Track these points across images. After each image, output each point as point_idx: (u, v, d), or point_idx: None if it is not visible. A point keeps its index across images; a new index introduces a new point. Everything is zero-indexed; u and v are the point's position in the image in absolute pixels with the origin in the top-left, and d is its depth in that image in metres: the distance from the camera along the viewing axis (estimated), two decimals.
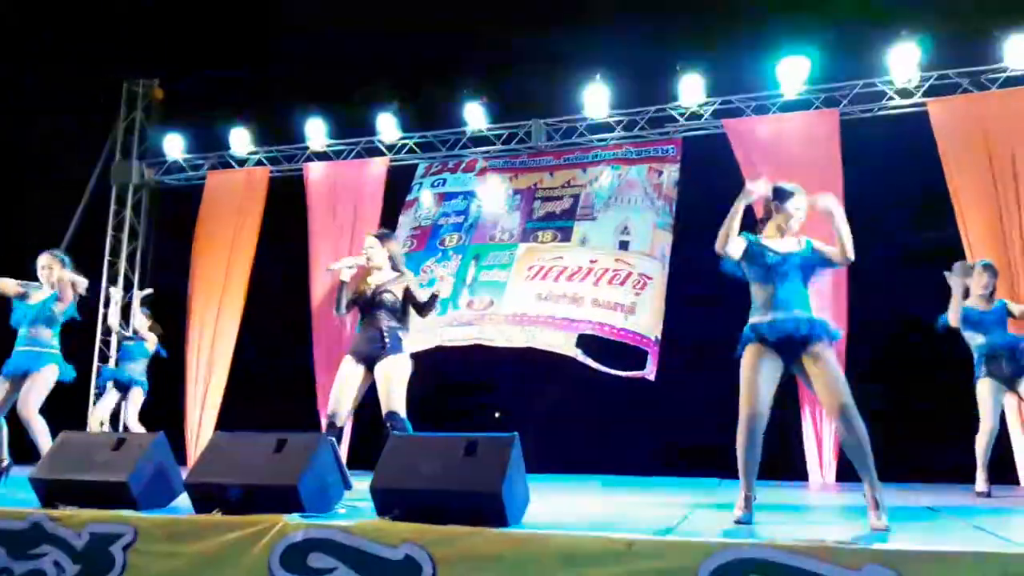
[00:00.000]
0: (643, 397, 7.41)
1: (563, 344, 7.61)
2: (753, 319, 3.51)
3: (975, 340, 5.47)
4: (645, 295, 7.63)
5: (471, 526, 2.86)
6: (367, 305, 4.60)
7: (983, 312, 5.48)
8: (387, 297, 4.56)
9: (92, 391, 9.36)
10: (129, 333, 7.42)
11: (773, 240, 3.59)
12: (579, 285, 7.87)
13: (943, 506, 4.39)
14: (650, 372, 7.27)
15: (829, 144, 7.47)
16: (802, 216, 3.59)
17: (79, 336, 5.90)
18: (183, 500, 3.57)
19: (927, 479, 6.10)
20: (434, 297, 4.68)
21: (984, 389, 5.38)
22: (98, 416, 7.27)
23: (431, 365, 7.92)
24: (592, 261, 7.96)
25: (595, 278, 7.85)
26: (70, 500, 3.48)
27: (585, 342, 7.58)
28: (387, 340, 4.49)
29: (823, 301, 6.72)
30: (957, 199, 6.93)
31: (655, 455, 7.51)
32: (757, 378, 3.39)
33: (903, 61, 7.44)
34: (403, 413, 4.40)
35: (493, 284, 8.18)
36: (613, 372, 7.37)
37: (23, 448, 5.26)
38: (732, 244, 3.49)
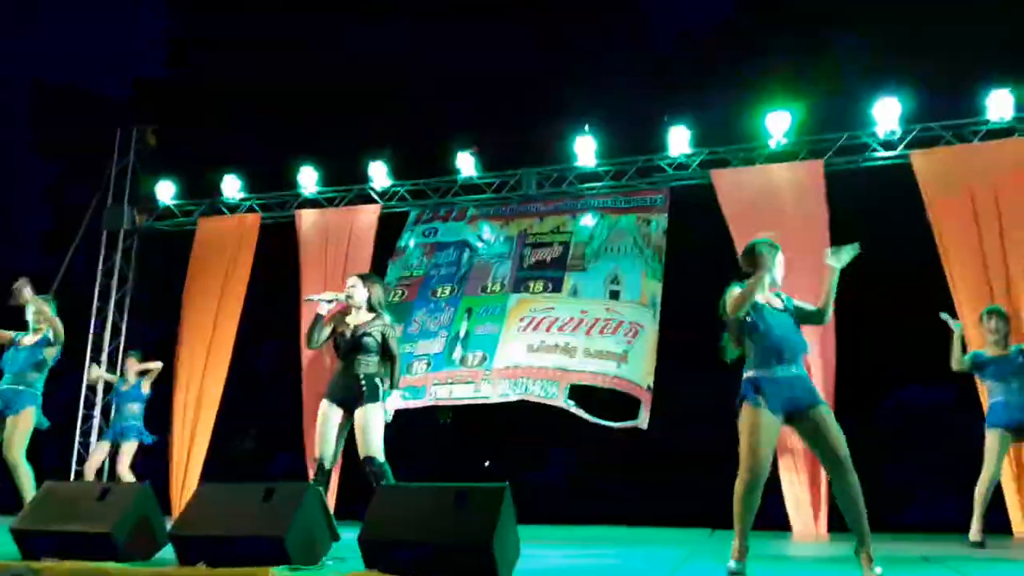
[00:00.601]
0: (634, 447, 7.37)
1: (555, 396, 7.58)
2: (749, 373, 3.52)
3: (992, 389, 5.46)
4: (637, 344, 7.62)
5: None
6: (347, 349, 4.59)
7: (999, 359, 5.47)
8: (367, 341, 4.55)
9: (77, 437, 9.24)
10: (115, 379, 7.38)
11: (768, 296, 3.60)
12: (570, 336, 7.85)
13: (937, 555, 4.36)
14: (643, 421, 7.22)
15: (815, 195, 7.56)
16: (782, 270, 3.66)
17: (65, 383, 5.86)
18: (168, 552, 3.51)
19: (916, 529, 6.05)
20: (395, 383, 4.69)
21: (992, 439, 5.36)
22: (93, 466, 7.18)
23: (422, 415, 7.91)
24: (583, 312, 7.96)
25: (587, 328, 7.84)
26: (52, 551, 3.41)
27: (578, 393, 7.54)
28: (364, 388, 4.49)
29: (810, 352, 6.75)
30: (943, 249, 7.01)
31: (647, 505, 7.44)
32: (758, 437, 3.38)
33: (886, 114, 7.58)
34: (381, 458, 4.40)
35: (486, 338, 8.14)
36: (606, 424, 7.32)
37: (5, 497, 5.19)
38: (743, 308, 3.53)
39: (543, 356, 7.80)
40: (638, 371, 7.46)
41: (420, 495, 3.26)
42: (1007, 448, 5.42)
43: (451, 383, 8.00)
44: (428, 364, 8.19)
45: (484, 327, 8.21)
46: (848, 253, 3.55)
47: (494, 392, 7.81)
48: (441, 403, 7.97)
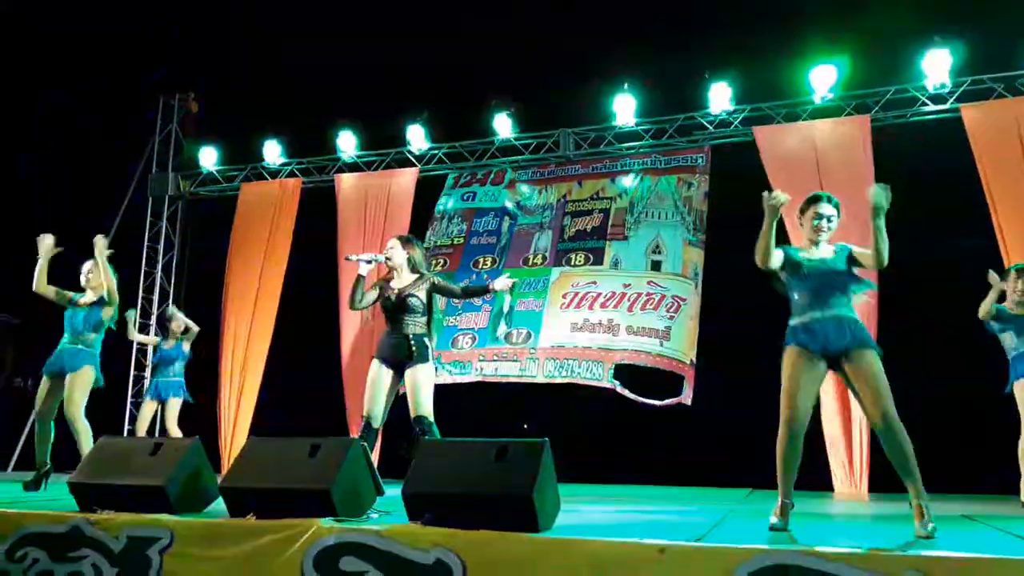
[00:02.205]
0: (677, 410, 7.37)
1: (601, 376, 7.62)
2: (793, 321, 3.50)
3: (1009, 343, 5.35)
4: (679, 318, 7.60)
5: (502, 531, 2.87)
6: (393, 310, 4.67)
7: (1017, 316, 5.34)
8: (412, 302, 4.64)
9: (129, 397, 9.53)
10: (155, 340, 7.62)
11: (809, 250, 3.57)
12: (614, 312, 7.84)
13: (981, 515, 4.31)
14: (687, 397, 7.25)
15: (861, 151, 7.40)
16: (826, 223, 3.56)
17: (115, 344, 6.02)
18: (218, 504, 3.62)
19: (968, 490, 5.98)
20: (485, 290, 4.87)
21: (1021, 393, 5.26)
22: (143, 426, 7.44)
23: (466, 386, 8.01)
24: (625, 285, 7.92)
25: (629, 303, 7.82)
26: (108, 504, 3.54)
27: (622, 369, 7.57)
28: (414, 348, 4.57)
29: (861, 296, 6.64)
30: (993, 204, 6.84)
31: (687, 467, 7.46)
32: (797, 382, 3.36)
33: (936, 66, 7.37)
34: (431, 417, 4.51)
35: (529, 314, 8.16)
36: (651, 402, 7.36)
37: (63, 455, 5.38)
38: (771, 257, 3.49)
39: (587, 335, 7.82)
40: (680, 346, 7.47)
41: (462, 449, 3.30)
42: None
43: (496, 360, 8.08)
44: (474, 339, 8.25)
45: (527, 302, 8.23)
46: (880, 196, 3.39)
47: (540, 372, 7.89)
48: (488, 379, 8.06)
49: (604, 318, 7.85)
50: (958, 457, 6.20)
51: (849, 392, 3.52)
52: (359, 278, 4.70)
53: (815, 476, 6.46)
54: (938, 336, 6.48)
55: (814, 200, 3.61)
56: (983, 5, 6.94)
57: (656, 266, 7.93)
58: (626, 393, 7.44)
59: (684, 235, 7.94)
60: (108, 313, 5.50)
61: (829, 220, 3.57)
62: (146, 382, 9.56)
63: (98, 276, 5.54)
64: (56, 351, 5.43)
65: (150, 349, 9.28)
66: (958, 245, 6.84)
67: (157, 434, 8.25)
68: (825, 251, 3.56)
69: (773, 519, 3.36)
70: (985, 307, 5.39)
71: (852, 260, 3.52)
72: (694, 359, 7.41)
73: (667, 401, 7.28)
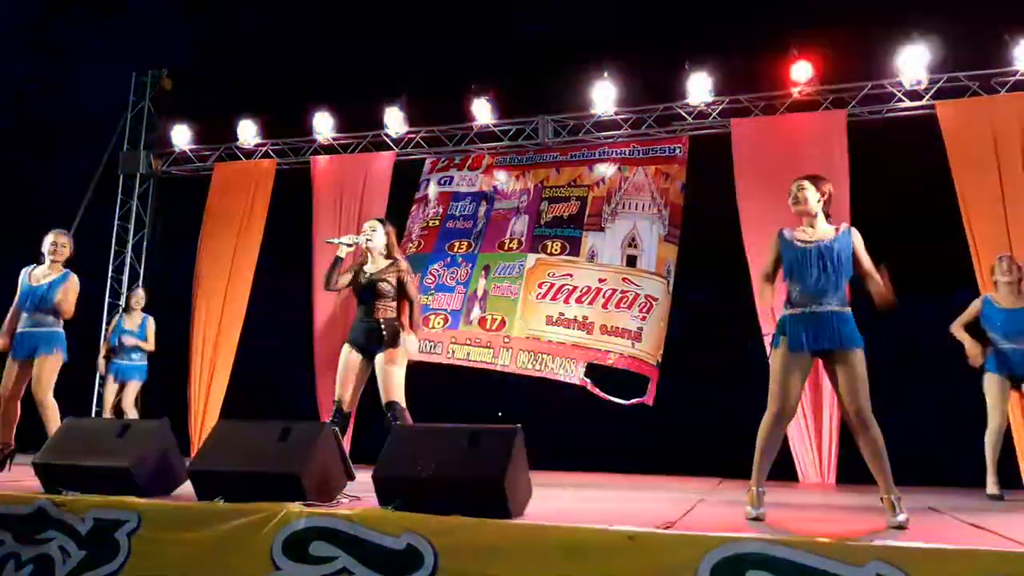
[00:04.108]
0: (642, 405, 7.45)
1: (573, 373, 7.67)
2: (787, 311, 3.54)
3: (998, 340, 5.40)
4: (650, 319, 7.65)
5: (473, 517, 2.87)
6: (365, 294, 4.66)
7: (1008, 312, 5.40)
8: (384, 287, 4.64)
9: (97, 378, 9.39)
10: (132, 324, 7.53)
11: (804, 231, 3.60)
12: (588, 309, 7.86)
13: (949, 508, 4.38)
14: (649, 398, 7.38)
15: (836, 145, 7.44)
16: (797, 191, 3.62)
17: (83, 323, 5.91)
18: (186, 488, 3.58)
19: (934, 483, 6.07)
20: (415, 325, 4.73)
21: (992, 384, 5.35)
22: (110, 407, 7.39)
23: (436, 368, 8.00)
24: (601, 280, 7.92)
25: (604, 300, 7.84)
26: (74, 485, 3.49)
27: (591, 368, 7.65)
28: (385, 333, 4.56)
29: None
30: (964, 202, 6.91)
31: (659, 455, 7.53)
32: (788, 375, 3.42)
33: (912, 63, 7.42)
34: (403, 402, 4.49)
35: (504, 301, 8.15)
36: (617, 400, 7.46)
37: (28, 434, 5.30)
38: (769, 293, 3.62)
39: (561, 331, 7.85)
40: (650, 348, 7.55)
41: (434, 435, 3.30)
42: (1007, 395, 5.39)
43: (469, 344, 8.07)
44: (446, 320, 8.24)
45: (502, 287, 8.22)
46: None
47: (512, 362, 7.90)
48: (458, 363, 8.06)
49: (579, 314, 7.88)
50: (922, 451, 6.29)
51: (821, 383, 3.58)
52: (336, 260, 4.69)
53: (780, 466, 6.52)
54: (910, 331, 6.56)
55: (799, 183, 3.69)
56: (960, 2, 7.00)
57: (631, 261, 7.95)
58: (596, 391, 7.54)
59: (660, 230, 7.96)
60: (63, 305, 5.31)
61: (799, 188, 3.64)
62: (102, 362, 9.45)
63: (64, 254, 5.42)
64: (20, 334, 5.28)
65: (104, 329, 9.16)
66: (931, 240, 6.93)
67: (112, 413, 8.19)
68: (824, 231, 3.58)
69: (751, 510, 3.37)
70: (958, 325, 5.50)
71: (853, 245, 3.53)
72: (660, 360, 7.49)
73: (632, 401, 7.40)
